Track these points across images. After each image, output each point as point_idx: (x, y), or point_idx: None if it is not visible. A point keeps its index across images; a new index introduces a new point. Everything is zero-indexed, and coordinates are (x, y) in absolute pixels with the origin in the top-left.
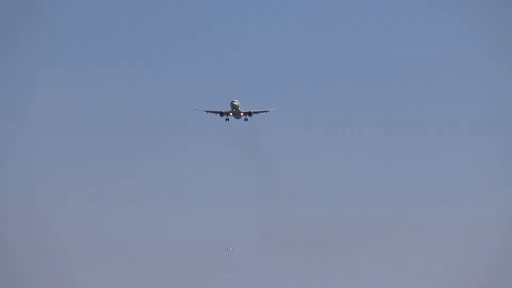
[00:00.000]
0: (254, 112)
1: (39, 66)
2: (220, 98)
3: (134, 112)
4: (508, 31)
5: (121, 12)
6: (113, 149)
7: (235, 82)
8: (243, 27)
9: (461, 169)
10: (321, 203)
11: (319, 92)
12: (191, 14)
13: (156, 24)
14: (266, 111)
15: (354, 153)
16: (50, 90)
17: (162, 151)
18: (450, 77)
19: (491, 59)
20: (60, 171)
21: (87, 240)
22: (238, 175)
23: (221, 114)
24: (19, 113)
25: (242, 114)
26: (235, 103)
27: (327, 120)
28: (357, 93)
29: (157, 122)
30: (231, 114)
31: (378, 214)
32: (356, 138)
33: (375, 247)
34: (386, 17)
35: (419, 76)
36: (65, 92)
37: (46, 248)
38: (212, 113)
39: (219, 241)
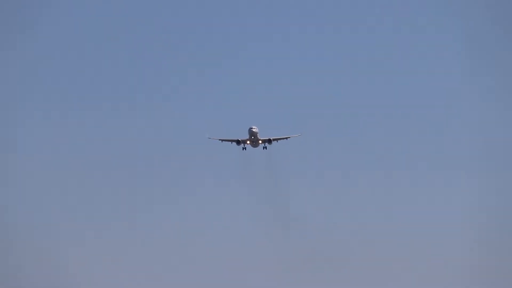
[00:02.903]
0: (274, 139)
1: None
2: (233, 126)
3: (138, 142)
4: None
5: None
6: (114, 186)
7: (251, 107)
8: (267, 51)
9: None
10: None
11: (347, 120)
12: (207, 37)
13: (169, 46)
14: (287, 138)
15: (386, 193)
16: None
17: (168, 186)
18: None
19: None
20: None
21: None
22: (252, 216)
23: (238, 142)
24: None
25: (260, 141)
26: (253, 130)
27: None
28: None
29: (165, 151)
30: (248, 142)
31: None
32: (391, 172)
33: None
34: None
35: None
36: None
37: None
38: (227, 142)
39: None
